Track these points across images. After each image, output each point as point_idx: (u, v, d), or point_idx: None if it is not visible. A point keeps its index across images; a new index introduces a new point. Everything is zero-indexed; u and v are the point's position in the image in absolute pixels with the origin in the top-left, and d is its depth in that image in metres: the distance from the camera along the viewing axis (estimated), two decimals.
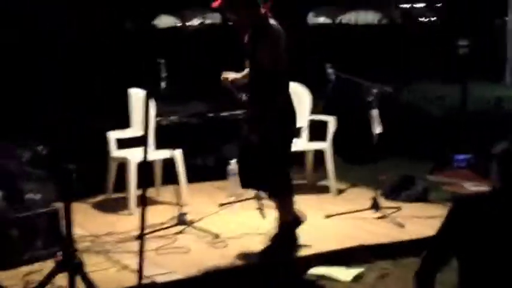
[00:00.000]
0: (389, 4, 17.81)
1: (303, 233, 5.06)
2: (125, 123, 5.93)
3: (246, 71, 4.73)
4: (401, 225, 5.17)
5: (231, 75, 4.83)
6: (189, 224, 5.15)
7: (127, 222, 5.29)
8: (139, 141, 5.69)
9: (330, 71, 5.58)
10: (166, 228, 5.06)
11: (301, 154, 6.45)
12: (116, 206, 5.77)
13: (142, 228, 3.73)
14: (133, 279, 3.99)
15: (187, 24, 21.66)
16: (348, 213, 5.42)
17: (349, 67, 5.65)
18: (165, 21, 20.42)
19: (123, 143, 5.92)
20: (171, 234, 4.97)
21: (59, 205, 4.51)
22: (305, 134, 6.33)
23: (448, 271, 2.89)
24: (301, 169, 6.59)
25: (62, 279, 3.59)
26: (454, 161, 7.08)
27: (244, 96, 4.76)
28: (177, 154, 5.69)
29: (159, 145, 5.91)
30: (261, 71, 4.47)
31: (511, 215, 2.69)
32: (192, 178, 6.03)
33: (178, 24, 21.60)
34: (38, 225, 4.47)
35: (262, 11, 4.51)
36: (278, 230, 4.64)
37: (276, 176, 4.57)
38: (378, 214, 5.39)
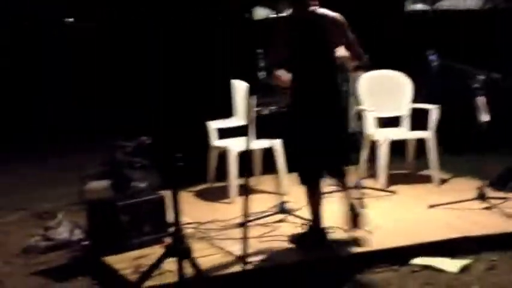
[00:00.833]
0: None
1: (406, 223, 5.00)
2: (226, 113, 6.00)
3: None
4: (509, 216, 5.00)
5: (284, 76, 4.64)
6: (290, 212, 5.18)
7: (228, 210, 5.37)
8: (240, 131, 5.77)
9: (432, 57, 5.45)
10: (267, 216, 5.10)
11: (403, 143, 6.36)
12: (217, 194, 5.87)
13: (246, 215, 3.80)
14: (237, 265, 4.06)
15: (280, 15, 21.78)
16: (452, 203, 5.29)
17: (451, 54, 5.51)
18: (260, 12, 20.65)
19: (223, 133, 6.01)
20: (271, 223, 5.01)
21: (164, 192, 4.64)
22: (406, 122, 6.23)
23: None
24: (402, 158, 6.49)
25: (169, 264, 3.68)
26: None
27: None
28: (277, 144, 5.72)
29: (259, 135, 5.96)
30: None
31: None
32: (291, 168, 6.04)
33: (272, 16, 21.72)
34: (145, 212, 4.59)
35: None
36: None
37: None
38: (484, 204, 5.23)
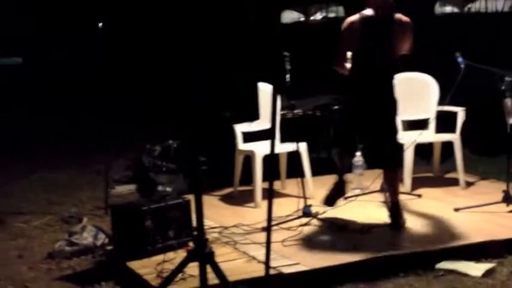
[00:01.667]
0: None
1: (432, 226, 4.97)
2: (252, 116, 6.01)
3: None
4: None
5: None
6: (314, 216, 5.18)
7: (254, 214, 5.38)
8: (265, 135, 5.77)
9: (460, 59, 5.43)
10: (291, 220, 5.11)
11: (429, 146, 6.32)
12: (243, 198, 5.89)
13: (269, 220, 3.79)
14: (260, 270, 4.06)
15: (311, 18, 21.77)
16: (478, 207, 5.25)
17: (480, 56, 5.46)
18: (289, 16, 20.67)
19: (249, 136, 6.02)
20: (296, 226, 5.01)
21: (190, 197, 4.67)
22: (432, 125, 6.19)
23: None
24: (429, 161, 6.45)
25: (192, 269, 3.70)
26: None
27: None
28: (302, 147, 5.73)
29: (284, 138, 5.96)
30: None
31: None
32: (316, 171, 6.04)
33: (302, 19, 21.73)
34: (170, 216, 4.60)
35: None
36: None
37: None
38: (510, 207, 5.18)
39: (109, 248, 4.81)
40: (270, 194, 3.62)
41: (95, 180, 6.96)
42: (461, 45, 5.68)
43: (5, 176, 7.47)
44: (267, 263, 3.72)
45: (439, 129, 6.21)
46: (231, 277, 3.79)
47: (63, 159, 8.55)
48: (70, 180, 7.39)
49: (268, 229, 3.69)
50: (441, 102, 6.18)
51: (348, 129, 5.25)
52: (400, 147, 5.36)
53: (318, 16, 21.81)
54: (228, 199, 6.00)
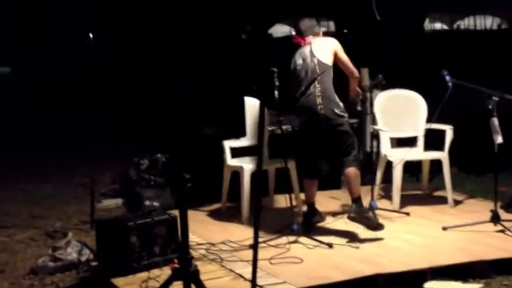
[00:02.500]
0: (510, 8, 17.10)
1: (419, 245, 4.95)
2: (240, 132, 6.00)
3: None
4: None
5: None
6: (302, 233, 5.15)
7: (242, 230, 5.35)
8: (254, 150, 5.75)
9: (447, 78, 5.43)
10: (279, 237, 5.07)
11: (417, 163, 6.32)
12: (231, 214, 5.85)
13: (256, 237, 3.76)
14: None
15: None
16: (466, 226, 5.24)
17: (468, 74, 5.47)
18: (280, 30, 20.68)
19: (237, 152, 6.00)
20: (284, 244, 4.98)
21: (176, 212, 4.62)
22: (421, 143, 6.19)
23: None
24: (417, 178, 6.44)
25: (177, 287, 3.66)
26: None
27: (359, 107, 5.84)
28: (291, 163, 5.70)
29: (272, 154, 5.94)
30: None
31: None
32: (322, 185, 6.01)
33: (293, 33, 21.73)
34: (156, 232, 4.56)
35: None
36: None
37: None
38: (498, 227, 5.17)
39: (94, 264, 4.75)
40: (256, 211, 3.59)
41: (81, 194, 6.89)
42: (449, 63, 5.69)
43: None
44: (253, 281, 3.68)
45: (428, 147, 6.21)
46: None
47: (48, 170, 8.46)
48: (55, 193, 7.31)
49: (254, 246, 3.66)
50: (428, 120, 6.19)
51: (308, 154, 5.43)
52: (352, 143, 5.32)
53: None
54: (216, 214, 5.96)
